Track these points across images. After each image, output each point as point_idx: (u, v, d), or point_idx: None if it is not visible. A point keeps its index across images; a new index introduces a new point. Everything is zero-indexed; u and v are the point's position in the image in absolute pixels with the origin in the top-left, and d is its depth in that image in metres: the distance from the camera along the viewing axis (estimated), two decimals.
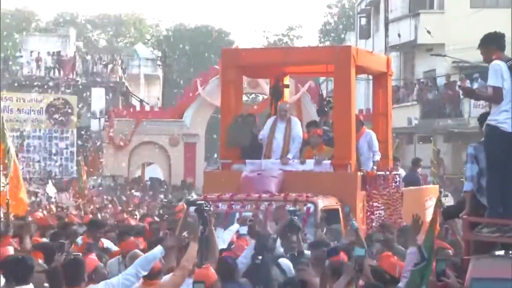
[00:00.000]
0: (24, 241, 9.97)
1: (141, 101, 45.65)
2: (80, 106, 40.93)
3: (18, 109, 39.38)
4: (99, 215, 17.31)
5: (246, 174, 12.08)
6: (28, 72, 42.66)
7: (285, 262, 8.82)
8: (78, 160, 29.46)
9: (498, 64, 6.85)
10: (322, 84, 40.42)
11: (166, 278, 7.52)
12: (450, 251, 8.69)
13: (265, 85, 31.36)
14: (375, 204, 12.33)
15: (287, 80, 14.24)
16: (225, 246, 9.28)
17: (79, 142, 39.96)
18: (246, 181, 11.89)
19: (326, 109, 13.49)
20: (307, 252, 9.03)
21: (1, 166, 13.12)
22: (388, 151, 13.81)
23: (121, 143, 37.70)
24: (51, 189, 28.51)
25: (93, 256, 8.42)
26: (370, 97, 23.58)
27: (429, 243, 6.07)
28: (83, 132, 40.51)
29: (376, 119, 14.04)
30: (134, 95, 48.72)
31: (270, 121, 12.82)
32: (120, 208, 20.67)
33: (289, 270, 8.65)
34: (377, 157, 12.97)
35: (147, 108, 41.13)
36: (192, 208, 8.93)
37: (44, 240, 10.96)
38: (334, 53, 13.02)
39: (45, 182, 33.09)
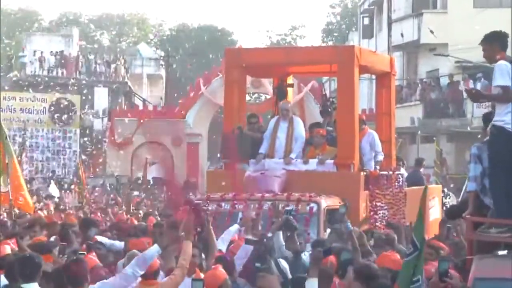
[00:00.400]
0: (23, 240, 9.95)
1: (144, 100, 45.69)
2: (86, 107, 40.93)
3: (21, 108, 39.40)
4: (99, 215, 17.24)
5: (249, 174, 12.08)
6: (31, 72, 42.67)
7: (283, 262, 8.79)
8: (79, 161, 29.40)
9: (505, 64, 6.85)
10: (325, 83, 40.38)
11: (166, 278, 7.52)
12: (443, 251, 8.61)
13: (268, 84, 31.29)
14: (378, 203, 12.32)
15: (290, 80, 14.23)
16: (225, 247, 9.23)
17: (84, 139, 39.88)
18: (249, 181, 11.89)
19: (329, 110, 13.49)
20: (307, 253, 9.02)
21: (1, 166, 13.12)
22: (392, 151, 13.80)
23: (122, 141, 37.68)
24: (53, 189, 28.46)
25: (93, 256, 8.41)
26: (373, 96, 23.60)
27: (420, 231, 6.01)
28: (84, 131, 40.54)
29: (379, 119, 14.04)
30: (137, 94, 48.74)
31: (273, 121, 12.84)
32: (122, 208, 20.59)
33: (286, 271, 8.63)
34: (380, 157, 12.97)
35: (150, 107, 41.16)
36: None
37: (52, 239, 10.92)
38: (337, 53, 13.04)
39: (48, 182, 33.06)
